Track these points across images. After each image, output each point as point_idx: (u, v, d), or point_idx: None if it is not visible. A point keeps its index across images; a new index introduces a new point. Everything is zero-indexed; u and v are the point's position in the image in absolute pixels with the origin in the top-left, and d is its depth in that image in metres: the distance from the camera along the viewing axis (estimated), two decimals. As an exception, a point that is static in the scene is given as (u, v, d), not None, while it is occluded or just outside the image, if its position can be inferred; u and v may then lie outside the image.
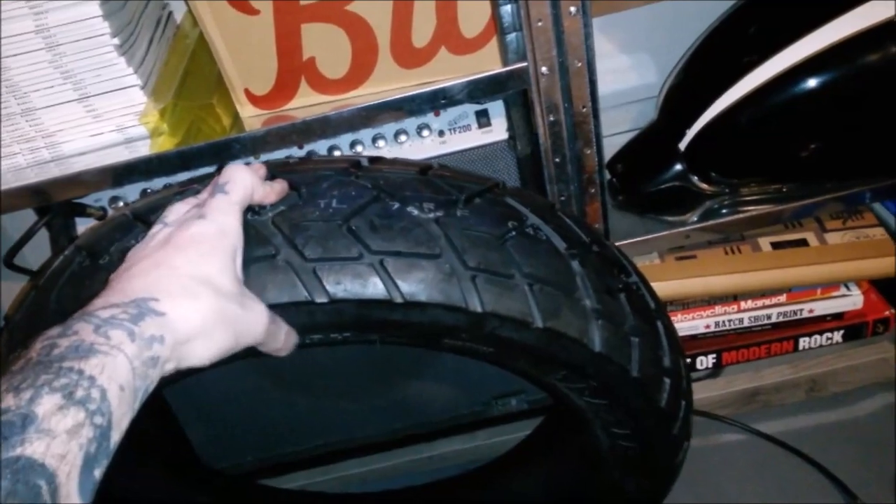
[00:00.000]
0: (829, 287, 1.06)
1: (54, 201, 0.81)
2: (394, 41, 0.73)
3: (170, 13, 0.94)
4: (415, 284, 0.55)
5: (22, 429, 0.36)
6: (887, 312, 1.06)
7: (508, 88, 0.77)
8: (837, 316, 1.07)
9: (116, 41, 0.74)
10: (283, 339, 0.55)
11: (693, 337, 1.08)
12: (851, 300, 1.05)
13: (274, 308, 0.53)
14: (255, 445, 1.05)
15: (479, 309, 0.55)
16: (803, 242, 1.03)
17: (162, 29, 0.89)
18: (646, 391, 0.64)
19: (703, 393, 1.12)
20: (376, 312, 0.56)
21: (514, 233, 0.59)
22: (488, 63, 0.75)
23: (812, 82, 0.83)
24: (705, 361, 1.08)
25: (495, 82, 0.76)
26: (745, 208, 0.93)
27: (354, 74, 0.76)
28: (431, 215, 0.57)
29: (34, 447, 0.36)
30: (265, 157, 0.81)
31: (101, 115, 0.79)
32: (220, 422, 1.00)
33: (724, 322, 1.07)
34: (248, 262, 0.54)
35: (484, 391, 1.08)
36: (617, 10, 0.74)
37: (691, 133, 0.91)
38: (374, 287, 0.54)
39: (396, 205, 0.57)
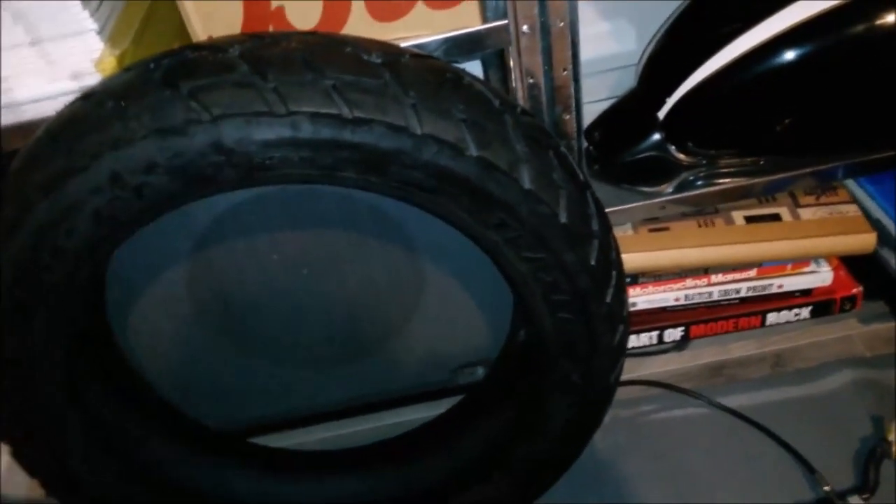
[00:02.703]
0: (799, 263, 1.06)
1: (3, 151, 0.77)
2: (368, -8, 0.70)
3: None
4: (363, 106, 0.60)
5: None
6: (855, 290, 1.06)
7: (487, 47, 0.74)
8: (806, 292, 1.07)
9: (71, -20, 0.70)
10: None
11: (663, 309, 1.07)
12: (821, 276, 1.06)
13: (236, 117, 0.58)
14: (216, 409, 1.02)
15: (418, 131, 0.60)
16: (777, 217, 1.02)
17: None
18: (575, 243, 0.68)
19: (668, 366, 1.12)
20: (328, 129, 0.60)
21: (452, 82, 0.64)
22: (467, 20, 0.72)
23: (791, 54, 0.82)
24: (673, 334, 1.08)
25: (473, 40, 0.73)
26: (721, 181, 0.93)
27: (325, 26, 0.72)
28: (380, 60, 0.62)
29: None
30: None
31: (54, 61, 0.74)
32: (182, 383, 0.98)
33: (693, 295, 1.07)
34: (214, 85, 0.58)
35: (451, 361, 1.07)
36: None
37: (671, 102, 0.89)
38: (327, 103, 0.59)
39: (349, 48, 0.62)
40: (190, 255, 0.88)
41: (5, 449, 0.79)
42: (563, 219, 0.66)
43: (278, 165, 0.61)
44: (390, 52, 0.63)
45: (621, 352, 0.77)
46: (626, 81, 0.99)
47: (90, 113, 0.59)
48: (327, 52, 0.61)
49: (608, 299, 0.72)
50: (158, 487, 0.86)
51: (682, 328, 1.07)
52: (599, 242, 0.69)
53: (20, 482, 0.86)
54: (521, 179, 0.63)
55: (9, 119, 0.75)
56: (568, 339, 0.74)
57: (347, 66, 0.60)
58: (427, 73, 0.63)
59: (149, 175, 0.59)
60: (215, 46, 0.61)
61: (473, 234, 0.69)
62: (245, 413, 1.04)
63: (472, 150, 0.61)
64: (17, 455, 0.77)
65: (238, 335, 0.97)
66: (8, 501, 0.81)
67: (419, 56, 0.65)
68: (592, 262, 0.69)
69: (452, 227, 0.72)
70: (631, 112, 0.94)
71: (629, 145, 0.94)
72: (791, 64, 0.82)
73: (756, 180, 0.92)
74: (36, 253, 0.62)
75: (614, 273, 0.72)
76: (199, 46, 0.62)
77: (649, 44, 0.95)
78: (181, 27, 0.75)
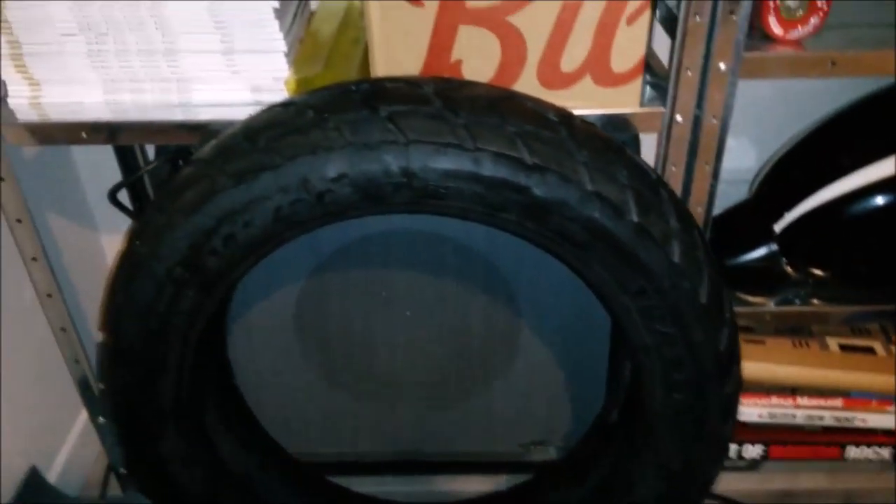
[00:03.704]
0: (887, 401, 1.05)
1: (171, 144, 0.82)
2: (543, 60, 0.75)
3: (309, -5, 0.96)
4: (541, 155, 0.64)
5: None
6: (940, 440, 1.05)
7: (638, 129, 0.78)
8: (890, 433, 1.06)
9: (276, 4, 0.76)
10: None
11: (744, 424, 1.06)
12: (906, 419, 1.04)
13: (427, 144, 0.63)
14: (296, 439, 1.02)
15: (587, 187, 0.64)
16: (871, 350, 1.03)
17: (302, 7, 0.91)
18: (709, 326, 0.69)
19: (739, 483, 1.10)
20: (506, 170, 0.63)
21: (617, 149, 0.68)
22: (626, 100, 0.77)
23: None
24: (752, 451, 1.06)
25: (627, 121, 0.77)
26: (825, 302, 0.94)
27: (496, 84, 0.77)
28: (556, 119, 0.66)
29: None
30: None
31: (239, 72, 0.80)
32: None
33: (777, 415, 1.06)
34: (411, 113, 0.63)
35: (523, 434, 1.06)
36: (764, 77, 0.76)
37: (790, 216, 0.92)
38: (511, 146, 0.63)
39: (530, 103, 0.67)
40: (302, 282, 0.91)
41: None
42: (702, 298, 0.67)
43: (450, 196, 0.64)
44: (564, 114, 0.68)
45: (726, 446, 0.77)
46: (730, 194, 1.02)
47: (291, 119, 0.64)
48: (511, 103, 0.66)
49: (727, 389, 0.72)
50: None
51: (763, 446, 1.06)
52: (729, 330, 0.70)
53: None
54: (670, 252, 0.66)
55: (181, 116, 0.80)
56: (677, 421, 0.74)
57: (529, 117, 0.65)
58: (595, 138, 0.67)
59: (334, 183, 0.63)
60: (411, 81, 0.66)
61: (607, 295, 0.71)
62: (320, 446, 1.04)
63: (633, 216, 0.64)
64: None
65: (324, 365, 0.98)
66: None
67: (586, 122, 0.70)
68: (721, 348, 0.70)
69: (577, 289, 0.74)
70: (746, 220, 0.97)
71: (741, 251, 0.96)
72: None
73: (861, 308, 0.93)
74: (210, 236, 0.65)
75: (735, 365, 0.73)
76: (395, 79, 0.67)
77: (770, 159, 0.99)
78: (361, 66, 0.80)
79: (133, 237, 0.68)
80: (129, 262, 0.67)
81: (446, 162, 0.62)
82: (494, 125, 0.63)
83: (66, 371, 1.08)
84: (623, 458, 0.81)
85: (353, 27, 0.94)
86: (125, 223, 1.21)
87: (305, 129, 0.62)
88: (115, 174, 1.12)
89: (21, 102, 0.81)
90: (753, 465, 1.10)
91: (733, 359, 0.72)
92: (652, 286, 0.67)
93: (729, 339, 0.70)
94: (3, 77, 0.80)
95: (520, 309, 0.94)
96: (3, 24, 0.77)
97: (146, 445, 0.77)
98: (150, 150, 1.12)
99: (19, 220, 0.85)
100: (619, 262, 0.66)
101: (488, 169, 0.62)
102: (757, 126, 1.07)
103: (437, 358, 0.98)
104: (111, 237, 1.25)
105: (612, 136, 0.70)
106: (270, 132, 0.63)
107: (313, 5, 0.99)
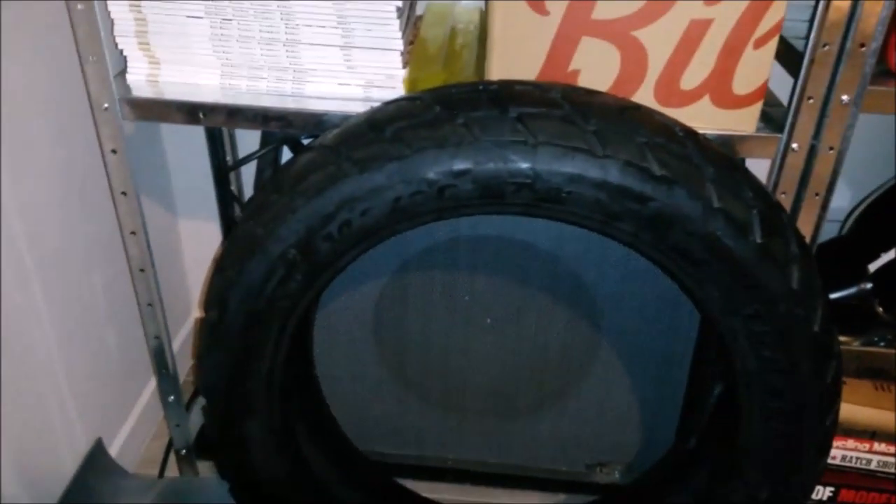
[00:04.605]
0: (966, 456, 1.02)
1: (277, 132, 0.83)
2: (662, 76, 0.75)
3: (415, 2, 0.98)
4: (670, 168, 0.64)
5: None
6: None
7: (751, 154, 0.78)
8: (966, 489, 1.03)
9: (399, 3, 0.77)
10: None
11: (817, 463, 1.04)
12: None
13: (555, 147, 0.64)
14: (368, 440, 1.02)
15: (714, 204, 0.63)
16: (955, 402, 1.00)
17: (410, 11, 0.92)
18: (818, 356, 0.68)
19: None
20: (633, 179, 0.63)
21: (741, 169, 0.68)
22: (743, 124, 0.76)
23: None
24: (822, 492, 1.04)
25: (740, 144, 0.77)
26: (915, 348, 0.92)
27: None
28: (682, 133, 0.67)
29: None
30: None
31: (354, 67, 0.81)
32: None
33: (852, 458, 1.03)
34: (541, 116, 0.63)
35: (589, 454, 1.05)
36: (884, 112, 0.75)
37: (886, 257, 0.90)
38: (640, 156, 0.63)
39: (658, 116, 0.68)
40: (385, 280, 0.91)
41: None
42: (815, 327, 0.66)
43: (570, 201, 0.64)
44: (688, 129, 0.67)
45: (816, 482, 0.75)
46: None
47: (419, 112, 0.64)
48: (639, 114, 0.66)
49: (827, 422, 0.71)
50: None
51: (833, 489, 1.03)
52: (837, 364, 0.69)
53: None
54: (790, 277, 0.65)
55: (293, 105, 0.81)
56: (772, 451, 0.72)
57: (658, 129, 0.64)
58: (721, 156, 0.66)
59: (457, 178, 0.63)
60: (539, 85, 0.67)
61: (716, 317, 0.70)
62: (384, 446, 1.04)
63: (757, 237, 0.63)
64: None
65: (398, 364, 0.98)
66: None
67: (709, 140, 0.69)
68: (828, 380, 0.68)
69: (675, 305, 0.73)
70: (840, 256, 0.96)
71: (833, 287, 0.94)
72: None
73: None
74: (327, 221, 0.65)
75: (837, 399, 0.71)
76: (523, 82, 0.68)
77: (866, 198, 0.97)
78: (476, 69, 0.81)
79: (247, 217, 0.69)
80: (244, 241, 0.68)
81: (573, 166, 0.62)
82: (624, 134, 0.63)
83: (132, 347, 1.10)
84: (707, 487, 0.80)
85: (461, 33, 0.95)
86: (202, 210, 1.24)
87: (434, 123, 0.63)
88: (198, 162, 1.15)
89: (139, 79, 0.84)
90: (821, 507, 1.07)
91: (836, 392, 0.71)
92: (766, 310, 0.66)
93: (835, 372, 0.69)
94: (126, 53, 0.82)
95: (601, 326, 0.94)
96: (132, 3, 0.79)
97: (233, 426, 0.78)
98: (242, 140, 1.14)
99: (124, 193, 0.86)
100: (736, 283, 0.66)
101: (614, 177, 0.62)
102: (848, 163, 1.06)
103: (512, 368, 0.97)
104: (188, 222, 1.28)
105: (735, 156, 0.70)
106: (398, 124, 0.64)
107: (419, 9, 1.00)
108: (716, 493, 0.78)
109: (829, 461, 1.04)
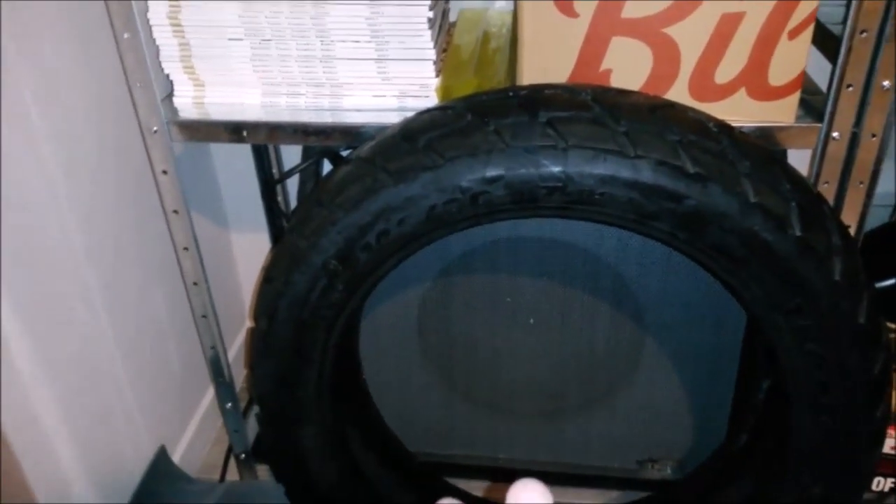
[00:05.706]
0: None
1: (316, 146, 0.86)
2: (696, 72, 0.75)
3: (447, 9, 0.99)
4: (704, 164, 0.63)
5: None
6: None
7: (790, 145, 0.77)
8: None
9: (430, 14, 0.79)
10: None
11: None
12: None
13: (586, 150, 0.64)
14: (414, 439, 1.04)
15: (750, 199, 0.63)
16: None
17: (442, 19, 0.94)
18: (865, 349, 0.67)
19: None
20: (666, 179, 0.63)
21: (779, 162, 0.67)
22: (781, 115, 0.75)
23: None
24: (883, 483, 1.01)
25: (779, 135, 0.76)
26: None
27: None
28: (716, 129, 0.66)
29: None
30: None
31: (389, 79, 0.83)
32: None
33: (913, 449, 1.00)
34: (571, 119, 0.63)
35: (639, 451, 1.05)
36: (929, 93, 0.73)
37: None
38: (673, 155, 0.63)
39: (690, 112, 0.68)
40: (429, 283, 0.93)
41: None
42: (860, 320, 0.65)
43: (604, 202, 0.65)
44: (723, 124, 0.67)
45: (871, 475, 0.73)
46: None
47: (450, 122, 0.66)
48: (671, 111, 0.66)
49: (878, 414, 0.69)
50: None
51: (895, 480, 1.01)
52: (885, 355, 0.68)
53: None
54: (832, 270, 0.64)
55: (330, 119, 0.84)
56: (822, 447, 0.71)
57: (690, 126, 0.64)
58: (757, 149, 0.66)
59: (490, 185, 0.64)
60: (568, 87, 0.67)
61: (759, 313, 0.69)
62: (433, 446, 1.06)
63: (796, 230, 0.63)
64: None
65: (444, 366, 1.00)
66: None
67: (745, 134, 0.69)
68: (876, 373, 0.67)
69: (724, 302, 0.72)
70: (889, 243, 0.93)
71: (882, 275, 0.92)
72: None
73: None
74: (365, 231, 0.68)
75: (888, 391, 0.70)
76: (553, 86, 0.68)
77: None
78: (507, 74, 0.82)
79: (291, 230, 0.72)
80: (290, 253, 0.71)
81: (604, 168, 0.63)
82: (656, 133, 0.63)
83: (192, 357, 1.14)
84: (759, 484, 0.79)
85: (494, 37, 0.96)
86: (253, 223, 1.28)
87: (465, 131, 0.64)
88: (247, 177, 1.19)
89: (186, 101, 0.87)
90: (882, 497, 1.04)
91: (886, 384, 0.69)
92: (809, 304, 0.65)
93: (884, 363, 0.68)
94: (172, 77, 0.86)
95: (646, 324, 0.93)
96: (176, 28, 0.83)
97: (286, 432, 0.80)
98: (287, 154, 1.18)
99: (176, 212, 0.90)
100: (777, 278, 0.65)
101: (647, 176, 0.62)
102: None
103: (558, 367, 0.98)
104: (240, 235, 1.32)
105: (772, 149, 0.69)
106: (430, 133, 0.65)
107: (452, 17, 1.02)
108: (768, 490, 0.78)
109: (890, 452, 1.01)
